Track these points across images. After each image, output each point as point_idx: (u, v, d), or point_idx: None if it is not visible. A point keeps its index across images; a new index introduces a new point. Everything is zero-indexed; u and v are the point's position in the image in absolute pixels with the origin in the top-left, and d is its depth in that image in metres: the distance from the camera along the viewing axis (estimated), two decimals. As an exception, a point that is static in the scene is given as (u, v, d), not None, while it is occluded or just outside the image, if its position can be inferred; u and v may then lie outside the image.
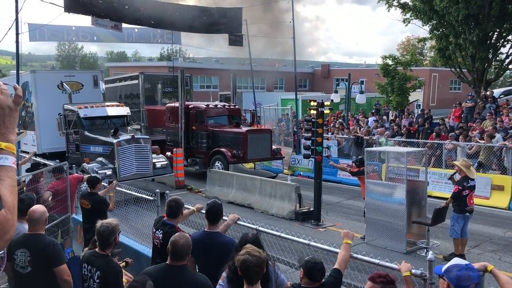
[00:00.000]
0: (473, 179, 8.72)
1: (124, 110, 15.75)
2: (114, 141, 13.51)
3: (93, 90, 17.70)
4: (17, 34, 14.11)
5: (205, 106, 17.76)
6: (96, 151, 14.21)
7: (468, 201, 8.62)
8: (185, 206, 5.71)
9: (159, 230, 5.06)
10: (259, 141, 16.53)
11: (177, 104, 17.23)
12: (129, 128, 15.41)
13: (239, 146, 16.14)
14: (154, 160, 14.20)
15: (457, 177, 8.87)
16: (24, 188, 8.30)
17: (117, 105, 15.95)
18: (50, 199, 8.04)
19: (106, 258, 4.43)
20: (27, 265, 4.41)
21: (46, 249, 4.44)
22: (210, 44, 19.06)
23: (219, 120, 17.66)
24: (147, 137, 14.94)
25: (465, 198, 8.60)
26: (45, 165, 10.84)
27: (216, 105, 18.47)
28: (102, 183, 8.48)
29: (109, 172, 13.06)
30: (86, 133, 14.64)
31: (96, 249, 4.53)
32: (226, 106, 18.58)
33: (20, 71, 16.16)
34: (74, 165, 11.09)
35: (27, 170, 11.31)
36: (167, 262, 3.98)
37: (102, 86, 17.75)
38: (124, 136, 13.88)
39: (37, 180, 8.38)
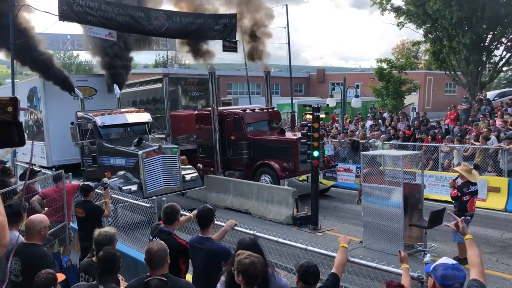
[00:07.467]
0: (475, 184, 8.72)
1: (145, 117, 14.34)
2: (140, 152, 11.96)
3: (107, 96, 16.23)
4: (12, 43, 14.09)
5: (242, 112, 15.61)
6: (118, 164, 12.67)
7: (469, 206, 8.61)
8: (182, 212, 5.72)
9: (156, 237, 5.06)
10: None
11: (208, 110, 15.64)
12: (150, 136, 14.00)
13: (289, 157, 14.03)
14: (182, 172, 12.73)
15: (459, 181, 8.87)
16: (23, 198, 8.28)
17: (137, 111, 14.50)
18: (41, 204, 8.03)
19: None
20: (19, 274, 4.40)
21: (35, 260, 4.38)
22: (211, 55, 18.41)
23: (259, 127, 15.64)
24: (175, 146, 13.29)
25: (465, 203, 8.58)
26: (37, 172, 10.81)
27: (254, 110, 16.28)
28: (97, 190, 8.45)
29: (134, 188, 11.64)
30: (105, 143, 13.20)
31: (94, 259, 4.50)
32: (264, 110, 16.43)
33: (15, 80, 16.08)
34: (90, 181, 10.30)
35: (21, 177, 11.27)
36: (148, 274, 3.90)
37: (117, 90, 15.83)
38: (150, 147, 12.46)
39: (31, 189, 8.35)
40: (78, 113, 14.08)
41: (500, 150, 13.46)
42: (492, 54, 27.71)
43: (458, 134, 16.13)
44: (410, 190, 9.62)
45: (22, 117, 15.76)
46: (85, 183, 8.91)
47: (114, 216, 9.53)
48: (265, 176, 14.32)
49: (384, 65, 26.52)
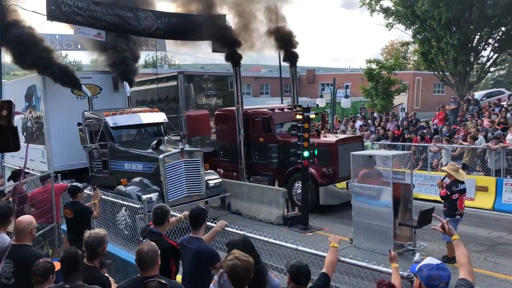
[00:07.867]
0: (463, 182, 8.87)
1: (161, 117, 13.05)
2: (161, 156, 10.57)
3: (113, 95, 14.80)
4: (-1, 43, 13.91)
5: (270, 112, 14.40)
6: (133, 169, 11.33)
7: (458, 205, 8.75)
8: (172, 213, 5.71)
9: (146, 238, 5.04)
10: (349, 153, 13.66)
11: (231, 110, 14.75)
12: (166, 138, 12.57)
13: (327, 161, 12.72)
14: (205, 178, 11.46)
15: (447, 181, 8.98)
16: (10, 198, 8.21)
17: (151, 111, 13.30)
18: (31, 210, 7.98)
19: (94, 270, 4.34)
20: (11, 276, 4.37)
21: (29, 261, 4.34)
22: (196, 50, 18.25)
23: (288, 128, 14.36)
24: (199, 149, 12.01)
25: (455, 202, 8.71)
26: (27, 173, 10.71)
27: (282, 109, 15.00)
28: (85, 191, 8.39)
29: (155, 196, 10.16)
30: (118, 146, 11.84)
31: (84, 260, 4.46)
32: (293, 110, 15.43)
33: (3, 80, 15.79)
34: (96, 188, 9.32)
35: (9, 179, 11.14)
36: (138, 275, 3.89)
37: (128, 88, 14.30)
38: (170, 150, 11.14)
39: (19, 190, 8.28)
40: (85, 113, 12.76)
41: (487, 150, 13.61)
42: (480, 55, 28.03)
43: (447, 134, 16.30)
44: (399, 190, 9.69)
45: (20, 116, 14.76)
46: (73, 183, 8.83)
47: (133, 228, 8.97)
48: (299, 183, 12.65)
49: (374, 66, 26.67)
